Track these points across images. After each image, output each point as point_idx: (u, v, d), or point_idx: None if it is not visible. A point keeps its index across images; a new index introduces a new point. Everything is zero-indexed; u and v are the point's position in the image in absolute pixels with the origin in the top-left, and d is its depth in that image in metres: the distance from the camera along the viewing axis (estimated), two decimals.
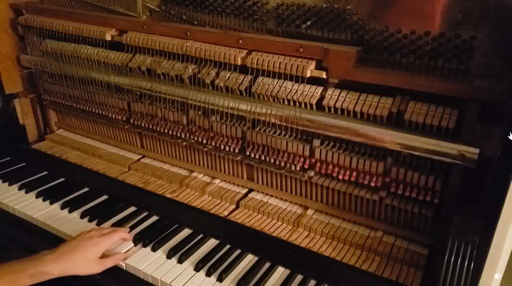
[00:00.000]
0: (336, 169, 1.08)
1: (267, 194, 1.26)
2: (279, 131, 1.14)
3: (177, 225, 1.16)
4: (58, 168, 1.45)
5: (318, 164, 1.10)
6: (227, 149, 1.24)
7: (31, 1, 1.56)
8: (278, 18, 1.14)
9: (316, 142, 1.10)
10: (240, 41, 1.11)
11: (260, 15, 1.17)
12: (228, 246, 1.08)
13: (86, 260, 0.97)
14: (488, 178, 0.89)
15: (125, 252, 1.06)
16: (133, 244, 1.09)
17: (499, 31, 0.90)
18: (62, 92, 1.55)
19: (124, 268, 1.04)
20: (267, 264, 1.03)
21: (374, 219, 1.10)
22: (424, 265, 0.99)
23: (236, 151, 1.23)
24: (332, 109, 1.04)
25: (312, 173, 1.13)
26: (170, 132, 1.33)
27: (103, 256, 1.02)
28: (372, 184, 1.04)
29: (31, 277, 0.91)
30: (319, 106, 1.05)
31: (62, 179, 1.40)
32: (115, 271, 1.05)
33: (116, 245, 1.07)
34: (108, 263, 1.01)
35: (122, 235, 1.08)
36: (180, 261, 1.03)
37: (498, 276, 0.77)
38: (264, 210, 1.19)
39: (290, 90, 1.07)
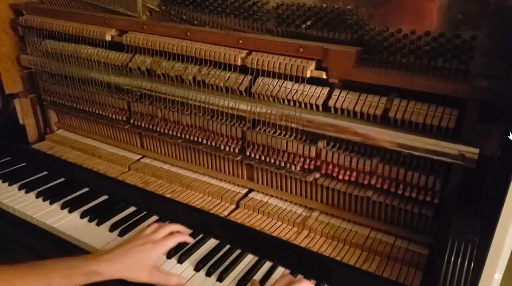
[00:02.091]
0: (336, 169, 1.08)
1: (267, 194, 1.26)
2: (279, 131, 1.14)
3: None
4: (58, 168, 1.45)
5: (319, 164, 1.10)
6: (227, 149, 1.24)
7: (31, 1, 1.56)
8: (278, 18, 1.14)
9: (321, 143, 1.10)
10: (240, 41, 1.11)
11: (260, 15, 1.17)
12: (228, 246, 1.08)
13: (138, 265, 0.95)
14: (488, 178, 0.89)
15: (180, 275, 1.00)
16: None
17: (499, 31, 0.90)
18: (62, 93, 1.55)
19: None
20: (267, 264, 1.03)
21: (374, 219, 1.10)
22: (424, 265, 0.99)
23: (236, 151, 1.23)
24: (332, 109, 1.04)
25: (317, 174, 1.13)
26: (170, 133, 1.33)
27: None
28: (372, 184, 1.04)
29: (84, 275, 0.90)
30: (318, 106, 1.05)
31: (62, 179, 1.40)
32: None
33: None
34: (159, 278, 0.96)
35: (181, 238, 1.05)
36: (180, 261, 1.03)
37: (498, 276, 0.77)
38: (264, 210, 1.19)
39: (290, 90, 1.07)
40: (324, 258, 1.03)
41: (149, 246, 0.98)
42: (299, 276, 0.99)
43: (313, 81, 1.05)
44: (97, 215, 1.19)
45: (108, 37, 1.33)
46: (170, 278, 0.97)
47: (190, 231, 1.10)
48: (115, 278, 0.93)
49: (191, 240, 1.07)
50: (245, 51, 1.11)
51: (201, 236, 1.12)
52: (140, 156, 1.49)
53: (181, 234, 1.06)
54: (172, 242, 1.02)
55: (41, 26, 1.45)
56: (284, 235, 1.12)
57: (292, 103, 1.08)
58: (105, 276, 0.92)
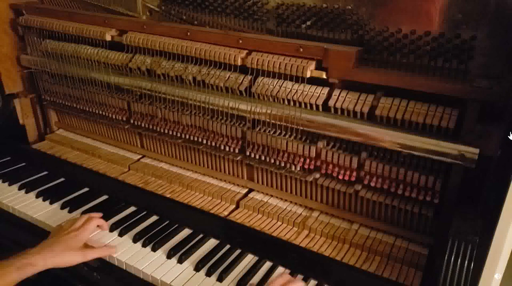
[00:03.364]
0: (336, 169, 1.08)
1: (267, 194, 1.26)
2: (279, 131, 1.14)
3: (177, 225, 1.16)
4: (58, 168, 1.45)
5: (319, 164, 1.10)
6: (227, 149, 1.24)
7: (31, 1, 1.56)
8: (278, 18, 1.14)
9: (320, 143, 1.10)
10: (240, 41, 1.11)
11: (260, 15, 1.17)
12: (228, 246, 1.08)
13: (68, 249, 1.01)
14: (488, 178, 0.89)
15: (108, 244, 1.09)
16: (115, 235, 1.13)
17: (499, 31, 0.90)
18: (62, 92, 1.55)
19: (124, 268, 1.04)
20: (267, 264, 1.03)
21: (374, 219, 1.10)
22: (424, 265, 0.99)
23: (236, 151, 1.23)
24: (332, 109, 1.04)
25: (317, 174, 1.13)
26: (170, 133, 1.33)
27: (87, 246, 1.06)
28: (372, 184, 1.04)
29: (17, 270, 0.93)
30: (318, 106, 1.05)
31: (62, 179, 1.40)
32: (115, 271, 1.05)
33: (94, 233, 1.12)
34: (92, 254, 1.04)
35: (97, 222, 1.12)
36: (180, 261, 1.03)
37: (498, 276, 0.77)
38: (264, 210, 1.19)
39: (290, 90, 1.07)
40: (324, 258, 1.03)
41: (73, 233, 1.04)
42: (299, 277, 0.99)
43: (313, 81, 1.05)
44: None
45: (108, 37, 1.33)
46: (104, 251, 1.06)
47: (100, 214, 1.16)
48: (49, 267, 0.98)
49: (105, 224, 1.14)
50: (245, 51, 1.11)
51: (201, 236, 1.12)
52: (140, 156, 1.49)
53: (95, 218, 1.12)
54: (91, 226, 1.09)
55: (41, 26, 1.45)
56: (284, 235, 1.12)
57: (292, 103, 1.08)
58: (39, 266, 0.96)
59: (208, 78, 1.17)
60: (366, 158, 1.04)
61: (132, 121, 1.41)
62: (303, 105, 1.07)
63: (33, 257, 0.96)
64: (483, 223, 0.80)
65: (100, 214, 1.16)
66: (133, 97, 1.38)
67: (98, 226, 1.13)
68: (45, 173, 1.43)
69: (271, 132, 1.15)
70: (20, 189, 1.33)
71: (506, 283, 0.84)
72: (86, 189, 1.34)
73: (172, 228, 1.15)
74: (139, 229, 1.15)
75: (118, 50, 1.34)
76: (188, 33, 1.19)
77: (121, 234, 1.13)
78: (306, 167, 1.12)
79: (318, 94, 1.05)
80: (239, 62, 1.12)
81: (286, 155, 1.14)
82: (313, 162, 1.11)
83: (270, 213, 1.18)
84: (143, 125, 1.39)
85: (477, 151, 0.88)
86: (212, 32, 1.19)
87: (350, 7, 1.04)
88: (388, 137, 0.97)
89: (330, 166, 1.09)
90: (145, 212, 1.22)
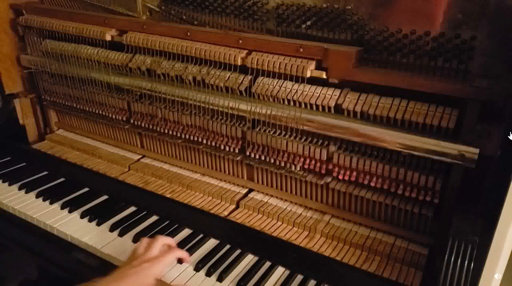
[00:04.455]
0: (336, 169, 1.08)
1: (267, 194, 1.26)
2: (279, 131, 1.14)
3: (177, 225, 1.16)
4: (58, 168, 1.45)
5: (319, 164, 1.10)
6: (227, 149, 1.24)
7: (31, 1, 1.56)
8: (278, 18, 1.14)
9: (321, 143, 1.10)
10: (240, 41, 1.11)
11: (260, 15, 1.17)
12: (228, 246, 1.08)
13: None
14: (488, 178, 0.89)
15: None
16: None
17: (499, 31, 0.90)
18: (62, 92, 1.55)
19: None
20: (267, 264, 1.03)
21: (374, 219, 1.10)
22: (424, 265, 0.99)
23: (236, 151, 1.23)
24: (332, 110, 1.04)
25: (318, 175, 1.13)
26: (170, 132, 1.33)
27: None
28: (372, 184, 1.04)
29: None
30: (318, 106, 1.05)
31: (62, 179, 1.40)
32: None
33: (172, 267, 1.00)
34: None
35: (178, 254, 0.99)
36: (180, 261, 1.03)
37: (498, 276, 0.77)
38: (264, 210, 1.19)
39: (290, 90, 1.07)
40: (324, 258, 1.03)
41: (146, 266, 0.90)
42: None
43: (313, 81, 1.05)
44: (97, 215, 1.19)
45: (108, 37, 1.33)
46: None
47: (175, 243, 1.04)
48: None
49: (187, 257, 1.02)
50: (245, 51, 1.11)
51: (201, 236, 1.12)
52: (140, 156, 1.49)
53: (178, 249, 1.01)
54: (170, 258, 0.96)
55: (41, 26, 1.45)
56: (284, 235, 1.12)
57: (292, 103, 1.08)
58: None
59: (208, 78, 1.17)
60: (366, 158, 1.04)
61: (132, 121, 1.41)
62: (303, 105, 1.07)
63: None
64: (483, 223, 0.80)
65: (183, 251, 1.01)
66: (133, 97, 1.38)
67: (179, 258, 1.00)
68: (45, 173, 1.43)
69: (271, 132, 1.15)
70: (20, 189, 1.33)
71: (506, 283, 0.84)
72: (86, 189, 1.34)
73: (172, 228, 1.15)
74: (139, 229, 1.15)
75: (118, 50, 1.34)
76: (188, 33, 1.19)
77: (121, 234, 1.13)
78: (306, 167, 1.12)
79: (318, 94, 1.04)
80: (239, 62, 1.11)
81: (286, 154, 1.14)
82: (313, 162, 1.11)
83: (270, 213, 1.18)
84: (143, 125, 1.39)
85: (477, 150, 0.88)
86: (212, 32, 1.19)
87: (350, 7, 1.04)
88: (388, 137, 0.97)
89: (330, 166, 1.09)
90: (145, 212, 1.22)
